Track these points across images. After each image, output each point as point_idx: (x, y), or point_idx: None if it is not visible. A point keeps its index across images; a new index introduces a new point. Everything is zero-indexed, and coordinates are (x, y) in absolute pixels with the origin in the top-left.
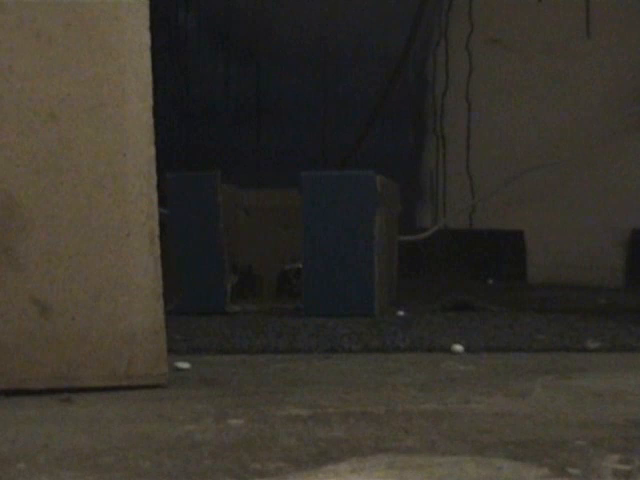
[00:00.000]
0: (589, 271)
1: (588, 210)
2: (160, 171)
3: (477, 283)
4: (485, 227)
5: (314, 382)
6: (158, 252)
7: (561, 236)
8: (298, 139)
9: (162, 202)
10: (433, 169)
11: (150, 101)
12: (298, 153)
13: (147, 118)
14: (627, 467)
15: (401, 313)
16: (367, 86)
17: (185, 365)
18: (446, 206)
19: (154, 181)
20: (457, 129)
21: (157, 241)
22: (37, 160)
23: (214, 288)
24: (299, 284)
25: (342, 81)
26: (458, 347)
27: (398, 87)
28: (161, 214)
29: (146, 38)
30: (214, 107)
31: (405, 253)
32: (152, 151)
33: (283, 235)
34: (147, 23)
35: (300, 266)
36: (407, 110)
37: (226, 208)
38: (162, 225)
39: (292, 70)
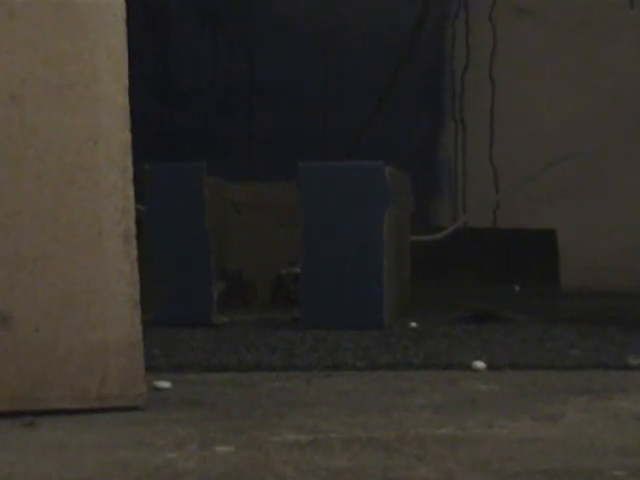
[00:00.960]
0: (629, 275)
1: (628, 205)
2: (137, 161)
3: (502, 290)
4: (511, 225)
5: (314, 404)
6: (134, 254)
7: (598, 235)
8: (296, 125)
9: (139, 197)
10: (451, 159)
11: (125, 81)
12: (296, 141)
13: (122, 100)
14: None
15: (414, 325)
16: (375, 64)
17: (166, 384)
18: (466, 201)
19: (130, 173)
20: (479, 112)
21: (133, 241)
22: None
23: (199, 296)
24: (296, 291)
25: (346, 59)
26: (479, 364)
27: (410, 65)
28: (138, 211)
29: (121, 10)
30: (199, 88)
31: (419, 255)
32: (128, 138)
33: (278, 235)
34: None
35: (298, 271)
36: (421, 91)
37: (212, 204)
38: (139, 223)
39: (289, 46)
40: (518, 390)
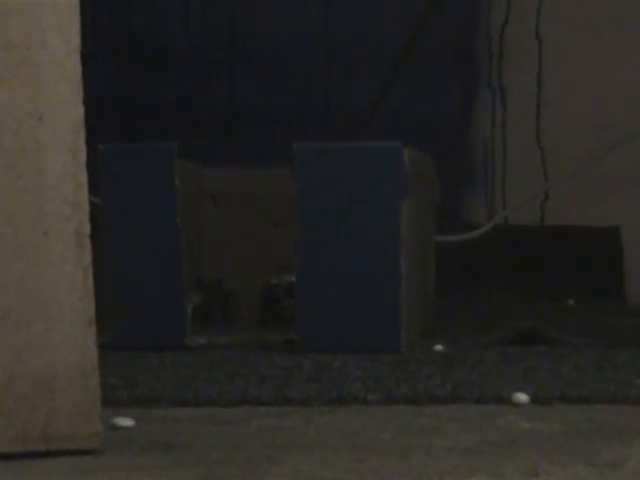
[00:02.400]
0: None
1: None
2: (91, 142)
3: (552, 303)
4: (563, 222)
5: (313, 446)
6: (88, 258)
7: None
8: (290, 97)
9: (94, 187)
10: (487, 139)
11: (77, 41)
12: (290, 117)
13: (72, 65)
14: None
15: (439, 348)
16: (391, 20)
17: (128, 422)
18: (507, 192)
19: (82, 156)
20: (523, 80)
21: (87, 243)
22: None
23: (168, 312)
24: (291, 306)
25: (355, 11)
26: (522, 396)
27: (436, 18)
28: (92, 204)
29: None
30: (169, 50)
31: (446, 260)
32: (80, 113)
33: (268, 235)
34: None
35: (293, 280)
36: (449, 53)
37: (185, 196)
38: (94, 220)
39: None
40: (570, 429)
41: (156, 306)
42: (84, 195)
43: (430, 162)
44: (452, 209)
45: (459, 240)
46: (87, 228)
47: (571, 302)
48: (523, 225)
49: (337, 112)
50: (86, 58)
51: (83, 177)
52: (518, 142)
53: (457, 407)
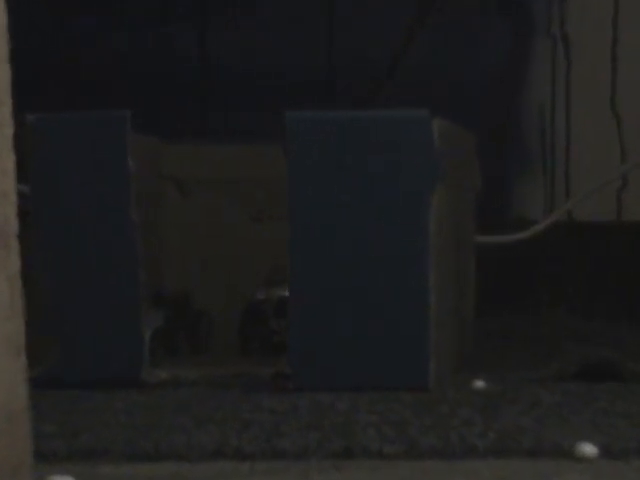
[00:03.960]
0: None
1: None
2: (20, 111)
3: (629, 324)
4: None
5: None
6: (16, 265)
7: None
8: (281, 51)
9: (22, 173)
10: (546, 106)
11: None
12: (282, 76)
13: None
14: None
15: (480, 384)
16: None
17: None
18: (571, 177)
19: (9, 130)
20: (593, 26)
21: (14, 244)
22: None
23: (120, 337)
24: (282, 328)
25: None
26: (587, 448)
27: None
28: (21, 195)
29: None
30: None
31: (490, 267)
32: (5, 74)
33: (250, 234)
34: None
35: (284, 294)
36: None
37: (143, 181)
38: (24, 216)
39: None
40: None
41: (104, 329)
42: (10, 183)
43: (468, 138)
44: (498, 200)
45: (507, 241)
46: (14, 226)
47: None
48: (592, 221)
49: (344, 72)
50: (14, 4)
51: (9, 160)
52: (586, 110)
53: (503, 463)
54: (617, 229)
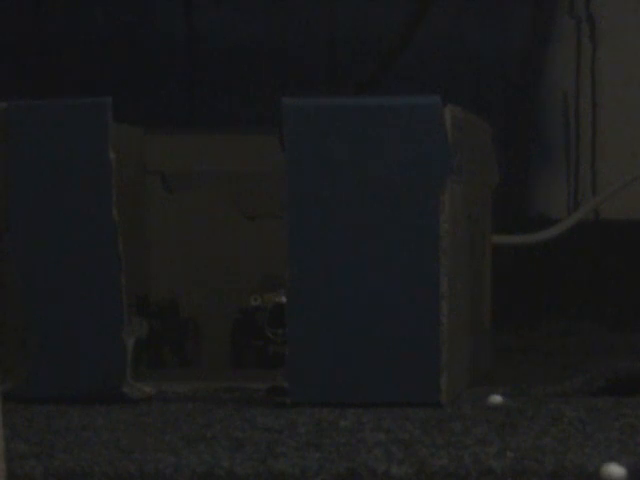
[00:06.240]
0: None
1: None
2: None
3: None
4: None
5: None
6: None
7: None
8: (278, 28)
9: None
10: (569, 91)
11: None
12: (279, 59)
13: None
14: None
15: (498, 399)
16: None
17: None
18: (597, 171)
19: None
20: (620, 8)
21: None
22: None
23: (100, 348)
24: (279, 338)
25: None
26: (616, 470)
27: None
28: None
29: None
30: None
31: (509, 271)
32: None
33: (244, 234)
34: None
35: (281, 300)
36: None
37: (125, 176)
38: None
39: None
40: None
41: (83, 339)
42: None
43: (484, 128)
44: (517, 197)
45: (528, 242)
46: None
47: None
48: (621, 220)
49: (346, 53)
50: None
51: None
52: (614, 96)
53: None
54: None
